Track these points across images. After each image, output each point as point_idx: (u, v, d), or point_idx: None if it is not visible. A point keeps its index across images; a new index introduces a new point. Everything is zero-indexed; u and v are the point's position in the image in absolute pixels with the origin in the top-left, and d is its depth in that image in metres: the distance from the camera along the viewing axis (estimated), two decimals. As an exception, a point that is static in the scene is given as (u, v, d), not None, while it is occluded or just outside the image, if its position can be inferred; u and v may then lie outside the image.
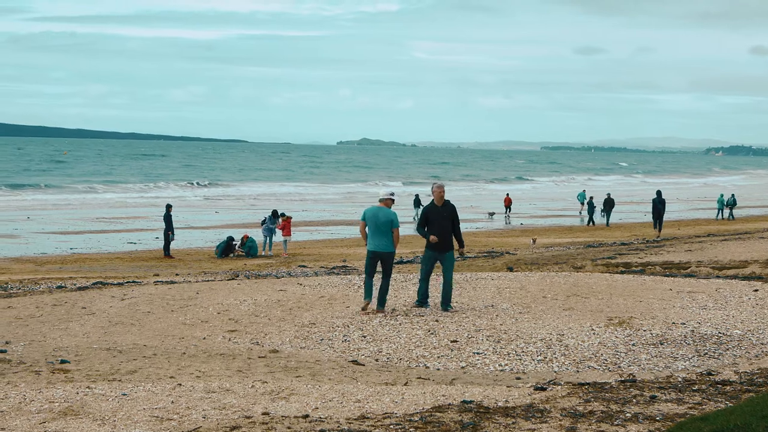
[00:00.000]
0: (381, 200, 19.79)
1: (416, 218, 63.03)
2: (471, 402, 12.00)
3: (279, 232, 41.58)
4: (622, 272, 28.04)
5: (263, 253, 41.06)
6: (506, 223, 63.54)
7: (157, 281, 27.06)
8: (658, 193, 50.94)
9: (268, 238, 41.78)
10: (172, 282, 26.62)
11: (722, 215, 68.32)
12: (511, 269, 29.72)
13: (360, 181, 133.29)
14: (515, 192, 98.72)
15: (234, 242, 39.80)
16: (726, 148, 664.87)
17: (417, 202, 65.77)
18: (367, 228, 19.90)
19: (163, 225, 39.76)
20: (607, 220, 60.94)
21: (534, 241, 39.91)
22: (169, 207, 41.01)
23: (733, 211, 69.14)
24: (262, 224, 42.29)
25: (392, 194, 20.13)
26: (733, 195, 71.80)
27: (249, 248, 39.33)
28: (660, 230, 49.09)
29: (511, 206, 69.56)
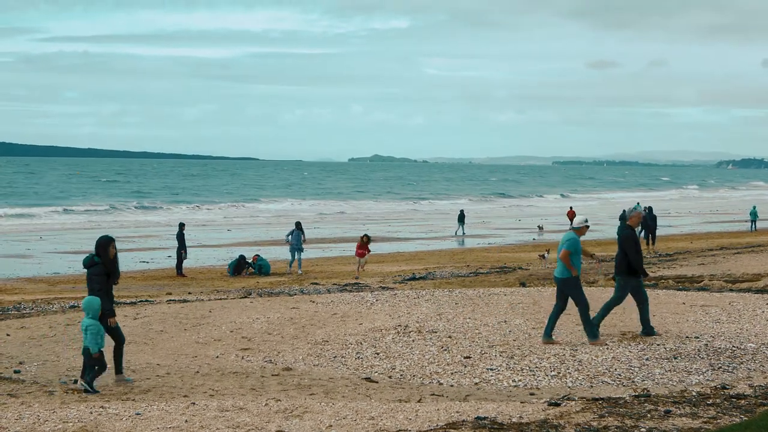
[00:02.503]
0: (574, 228, 18.66)
1: (460, 232, 64.04)
2: (485, 418, 11.98)
3: (304, 248, 40.44)
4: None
5: (289, 271, 39.32)
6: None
7: (170, 300, 27.09)
8: (649, 209, 51.04)
9: (295, 254, 39.79)
10: (184, 301, 26.64)
11: (755, 227, 69.11)
12: (524, 284, 29.69)
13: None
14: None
15: (246, 261, 39.78)
16: (738, 161, 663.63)
17: (461, 218, 67.17)
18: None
19: (176, 244, 39.79)
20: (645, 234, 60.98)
21: (547, 254, 39.68)
22: (182, 226, 41.04)
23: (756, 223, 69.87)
24: (288, 239, 40.48)
25: (586, 221, 18.96)
26: (754, 207, 72.67)
27: (260, 266, 39.29)
28: (654, 245, 49.05)
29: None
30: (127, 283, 34.98)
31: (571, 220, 71.77)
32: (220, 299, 26.89)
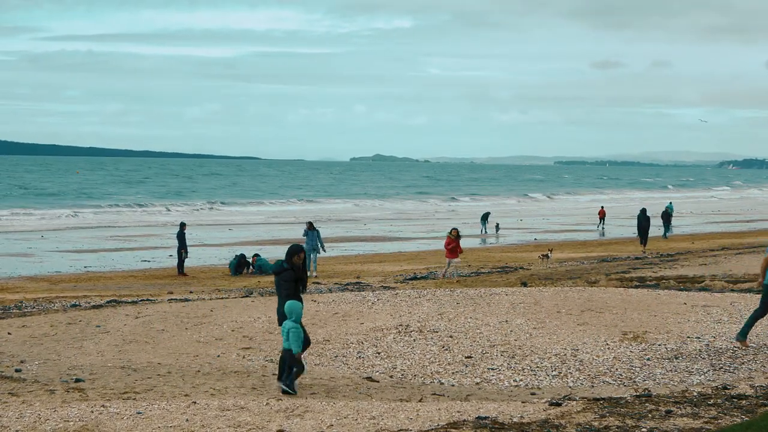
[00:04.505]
0: None
1: (485, 231, 65.01)
2: (486, 418, 11.98)
3: (321, 249, 38.15)
4: (636, 287, 27.98)
5: (310, 274, 36.77)
6: (601, 235, 64.95)
7: (171, 299, 27.09)
8: (643, 210, 51.28)
9: (310, 256, 37.39)
10: (186, 300, 26.64)
11: None
12: (525, 284, 29.68)
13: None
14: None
15: (246, 260, 39.75)
16: (739, 161, 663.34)
17: (485, 218, 68.27)
18: None
19: (177, 243, 39.77)
20: (665, 232, 61.15)
21: (549, 254, 39.65)
22: (183, 225, 41.02)
23: None
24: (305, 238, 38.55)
25: None
26: None
27: (260, 266, 39.27)
28: (645, 245, 49.09)
29: (605, 218, 72.89)
30: (128, 282, 34.98)
31: (602, 218, 72.02)
32: (222, 298, 26.90)
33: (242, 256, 39.96)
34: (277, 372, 15.17)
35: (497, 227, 66.57)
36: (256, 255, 40.59)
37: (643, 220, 49.67)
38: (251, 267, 39.42)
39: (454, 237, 34.86)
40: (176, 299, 27.00)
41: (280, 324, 15.34)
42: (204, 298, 27.18)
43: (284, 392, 14.36)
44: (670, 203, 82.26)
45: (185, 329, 20.29)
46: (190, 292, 30.11)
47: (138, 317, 21.87)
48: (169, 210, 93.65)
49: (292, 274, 15.41)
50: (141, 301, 26.84)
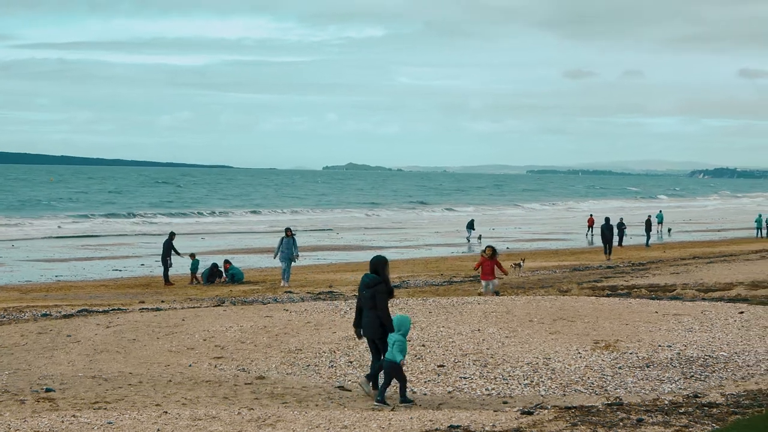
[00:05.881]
0: None
1: (469, 240, 64.94)
2: (458, 427, 11.98)
3: (295, 257, 37.43)
4: (608, 295, 28.07)
5: (285, 285, 36.51)
6: (590, 243, 65.32)
7: (143, 308, 26.98)
8: (606, 219, 51.74)
9: (285, 265, 37.36)
10: (157, 309, 26.54)
11: (761, 234, 71.63)
12: (497, 293, 29.69)
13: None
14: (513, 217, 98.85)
15: (218, 268, 39.67)
16: (710, 170, 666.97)
17: (471, 225, 69.42)
18: None
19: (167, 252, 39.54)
20: (648, 241, 61.55)
21: (522, 263, 39.70)
22: (172, 235, 40.90)
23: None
24: (278, 249, 37.95)
25: None
26: (760, 215, 75.01)
27: (232, 275, 39.15)
28: (610, 255, 49.34)
29: (594, 226, 72.61)
30: (99, 292, 34.84)
31: (590, 227, 72.50)
32: (194, 308, 26.81)
33: (215, 266, 39.88)
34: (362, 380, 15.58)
35: (480, 237, 66.92)
36: (227, 261, 40.47)
37: (606, 230, 50.08)
38: (223, 276, 39.32)
39: (488, 256, 29.03)
40: (148, 308, 26.89)
41: (367, 336, 15.53)
42: (176, 308, 27.08)
43: (403, 401, 14.74)
44: (660, 212, 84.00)
45: (157, 339, 20.22)
46: (162, 302, 30.01)
47: (109, 327, 21.76)
48: (141, 218, 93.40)
49: (386, 287, 15.47)
50: (112, 310, 26.71)
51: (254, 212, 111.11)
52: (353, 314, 22.15)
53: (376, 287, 15.35)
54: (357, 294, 15.92)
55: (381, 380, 15.15)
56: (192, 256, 39.95)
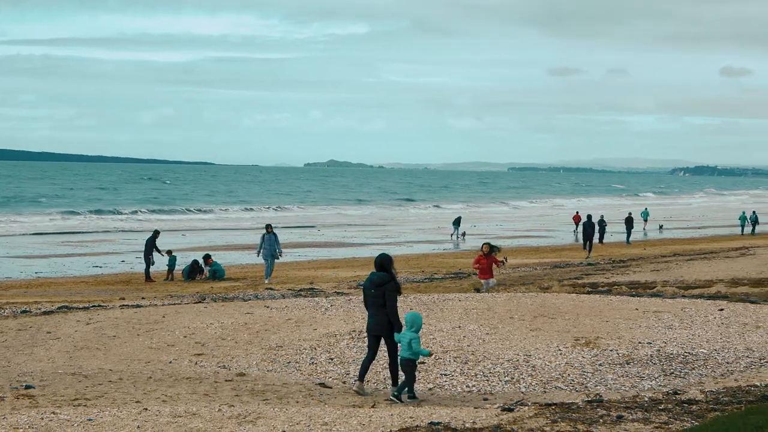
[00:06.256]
0: None
1: (455, 237, 65.92)
2: (438, 423, 11.98)
3: (278, 254, 37.01)
4: (588, 292, 28.11)
5: (267, 282, 36.24)
6: (576, 239, 65.42)
7: (123, 305, 26.91)
8: (588, 217, 51.78)
9: (268, 262, 37.09)
10: (138, 306, 26.47)
11: (744, 231, 71.86)
12: (478, 290, 29.69)
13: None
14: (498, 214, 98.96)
15: (199, 264, 39.59)
16: (691, 168, 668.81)
17: (457, 222, 68.81)
18: None
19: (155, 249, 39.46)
20: (629, 238, 61.66)
21: (505, 261, 39.53)
22: (156, 233, 40.78)
23: (756, 226, 72.91)
24: (261, 246, 37.55)
25: None
26: (754, 212, 75.35)
27: (214, 272, 39.05)
28: (590, 251, 49.40)
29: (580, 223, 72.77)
30: (79, 288, 34.73)
31: (577, 224, 72.54)
32: (174, 304, 26.74)
33: (195, 262, 39.80)
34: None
35: (464, 234, 67.01)
36: (209, 257, 40.35)
37: (587, 227, 50.18)
38: (204, 272, 39.24)
39: (484, 254, 28.07)
40: (128, 305, 26.82)
41: (372, 334, 15.53)
42: (156, 304, 27.01)
43: (396, 398, 14.84)
44: (646, 209, 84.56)
45: (137, 335, 20.17)
46: (142, 298, 29.94)
47: (89, 323, 21.71)
48: (125, 215, 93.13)
49: (395, 285, 15.52)
50: (92, 307, 26.63)
51: (246, 209, 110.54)
52: (334, 311, 22.21)
53: (387, 285, 15.39)
54: (363, 294, 15.87)
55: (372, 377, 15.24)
56: (169, 252, 39.82)
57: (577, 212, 76.49)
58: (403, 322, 15.23)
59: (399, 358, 15.15)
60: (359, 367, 15.79)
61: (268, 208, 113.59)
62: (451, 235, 67.19)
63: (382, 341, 15.47)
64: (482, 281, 28.54)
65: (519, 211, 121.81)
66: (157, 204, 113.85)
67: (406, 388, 15.01)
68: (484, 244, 28.96)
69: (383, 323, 15.32)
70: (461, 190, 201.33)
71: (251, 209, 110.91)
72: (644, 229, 77.02)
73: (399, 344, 15.19)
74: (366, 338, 16.04)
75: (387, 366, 15.63)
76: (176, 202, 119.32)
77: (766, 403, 13.07)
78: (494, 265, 28.31)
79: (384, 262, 15.61)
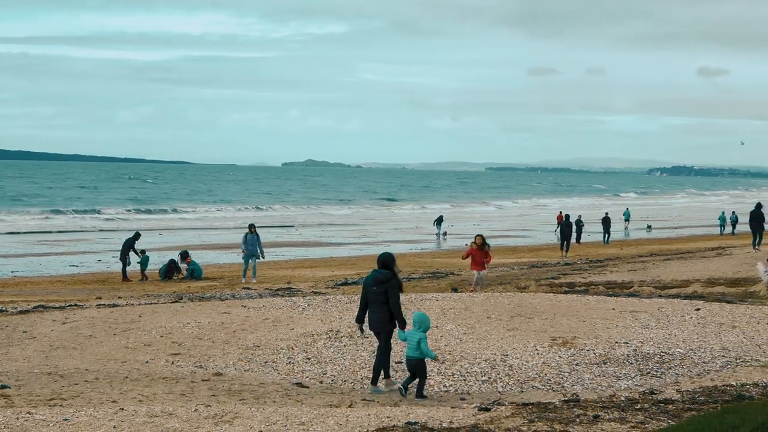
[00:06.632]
0: None
1: (438, 236, 64.95)
2: (415, 423, 11.98)
3: (260, 255, 36.71)
4: (565, 292, 28.17)
5: (244, 281, 36.26)
6: (557, 239, 65.67)
7: (100, 304, 26.82)
8: (566, 217, 51.87)
9: (249, 261, 36.94)
10: (114, 305, 26.39)
11: (724, 231, 72.05)
12: (455, 290, 29.75)
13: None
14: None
15: (175, 263, 39.48)
16: (668, 168, 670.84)
17: (439, 222, 69.51)
18: None
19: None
20: (606, 238, 61.73)
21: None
22: (136, 235, 40.64)
23: (736, 226, 72.71)
24: (244, 244, 37.19)
25: None
26: (734, 212, 75.42)
27: (192, 271, 38.95)
28: (567, 252, 49.47)
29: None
30: (56, 287, 34.60)
31: (560, 223, 73.13)
32: (151, 304, 26.68)
33: (172, 261, 39.70)
34: (371, 376, 15.84)
35: (445, 234, 67.09)
36: (187, 255, 40.23)
37: (565, 226, 50.30)
38: (182, 271, 39.14)
39: (477, 246, 28.60)
40: (104, 305, 26.74)
41: (375, 330, 15.77)
42: (133, 304, 26.94)
43: (402, 395, 15.10)
44: (627, 209, 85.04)
45: (113, 335, 20.10)
46: (119, 298, 29.85)
47: (65, 323, 21.62)
48: (102, 214, 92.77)
49: (398, 282, 15.75)
50: (69, 306, 26.53)
51: (238, 209, 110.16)
52: (311, 311, 22.18)
53: (390, 282, 15.59)
54: (363, 290, 16.00)
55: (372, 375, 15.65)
56: (142, 252, 39.69)
57: (561, 212, 76.69)
58: (410, 322, 15.47)
59: (405, 357, 15.39)
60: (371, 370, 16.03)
61: (248, 207, 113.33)
62: (436, 234, 67.47)
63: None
64: (474, 272, 28.87)
65: (502, 211, 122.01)
66: (138, 203, 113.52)
67: (419, 388, 15.22)
68: (477, 236, 29.39)
69: (384, 320, 15.59)
70: (443, 189, 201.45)
71: (245, 209, 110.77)
72: (626, 228, 77.36)
73: (405, 342, 15.42)
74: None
75: (365, 366, 15.61)
76: (157, 202, 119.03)
77: (742, 402, 13.12)
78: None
79: (387, 261, 15.83)
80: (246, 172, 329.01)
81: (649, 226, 79.33)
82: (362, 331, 16.19)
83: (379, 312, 15.62)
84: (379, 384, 15.72)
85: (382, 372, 15.79)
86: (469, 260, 29.00)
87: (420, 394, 15.07)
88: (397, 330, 15.63)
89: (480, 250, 28.47)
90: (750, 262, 35.56)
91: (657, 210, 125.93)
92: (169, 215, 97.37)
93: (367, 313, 15.91)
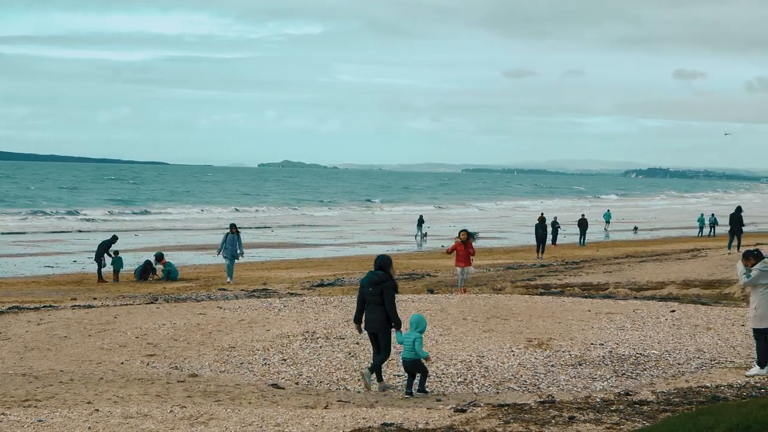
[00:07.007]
0: None
1: (419, 238, 64.90)
2: (391, 425, 11.99)
3: (239, 255, 36.33)
4: (541, 294, 28.23)
5: (230, 281, 35.83)
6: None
7: (75, 305, 26.72)
8: (542, 219, 52.03)
9: (229, 262, 36.48)
10: (89, 306, 26.30)
11: (702, 233, 72.42)
12: (431, 291, 29.78)
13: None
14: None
15: (151, 264, 39.34)
16: (644, 170, 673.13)
17: (420, 222, 69.31)
18: None
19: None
20: (582, 239, 61.83)
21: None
22: (114, 238, 40.40)
23: (715, 228, 72.74)
24: (222, 245, 36.72)
25: None
26: (713, 214, 75.60)
27: (168, 272, 38.82)
28: (542, 253, 49.55)
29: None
30: (30, 288, 34.44)
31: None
32: (126, 305, 26.60)
33: (148, 263, 39.57)
34: (365, 379, 15.86)
35: (425, 235, 67.13)
36: (162, 256, 40.08)
37: (540, 228, 50.42)
38: (157, 272, 39.01)
39: (462, 241, 28.28)
40: (80, 306, 26.64)
41: (369, 331, 16.02)
42: (108, 305, 26.85)
43: (409, 394, 15.27)
44: (608, 211, 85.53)
45: (88, 336, 20.04)
46: (94, 299, 29.73)
47: (40, 324, 21.54)
48: (75, 214, 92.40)
49: (393, 283, 16.14)
50: (44, 307, 26.41)
51: (229, 209, 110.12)
52: (287, 312, 22.17)
53: (385, 284, 15.95)
54: (359, 291, 16.19)
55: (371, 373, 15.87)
56: (115, 253, 39.51)
57: (542, 214, 76.85)
58: (407, 324, 15.75)
59: (402, 359, 15.68)
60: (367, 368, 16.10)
61: (227, 208, 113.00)
62: (416, 235, 67.49)
63: None
64: (458, 268, 28.66)
65: (484, 212, 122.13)
66: (119, 205, 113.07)
67: (420, 383, 15.51)
68: (461, 231, 29.15)
69: (380, 320, 15.84)
70: (424, 191, 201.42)
71: (235, 209, 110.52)
72: (606, 230, 77.71)
73: (402, 345, 15.68)
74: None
75: (341, 367, 15.62)
76: (137, 203, 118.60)
77: (716, 403, 13.18)
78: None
79: (383, 263, 16.23)
80: (223, 173, 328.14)
81: (635, 228, 79.59)
82: (360, 331, 16.27)
83: (374, 313, 15.86)
84: (372, 383, 15.77)
85: (374, 374, 15.87)
86: (453, 255, 28.95)
87: (422, 389, 15.34)
88: (395, 332, 15.77)
89: (464, 245, 28.20)
90: (725, 264, 35.74)
91: (637, 212, 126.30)
92: (149, 216, 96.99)
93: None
